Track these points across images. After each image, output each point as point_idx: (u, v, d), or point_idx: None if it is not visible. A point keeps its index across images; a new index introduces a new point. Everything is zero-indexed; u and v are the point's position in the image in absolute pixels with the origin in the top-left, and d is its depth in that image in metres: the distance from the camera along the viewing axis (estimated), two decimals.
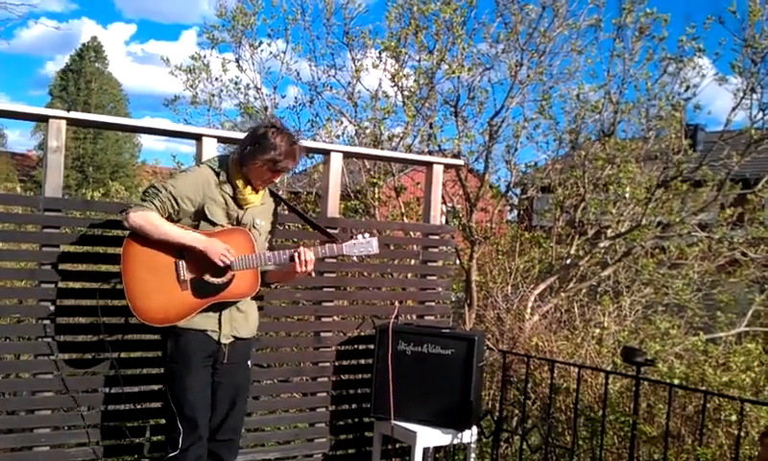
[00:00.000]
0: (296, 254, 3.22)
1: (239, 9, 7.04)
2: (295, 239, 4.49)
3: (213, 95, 7.31)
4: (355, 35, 6.81)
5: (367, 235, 3.40)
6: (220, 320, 3.23)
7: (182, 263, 3.14)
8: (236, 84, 7.35)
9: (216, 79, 7.36)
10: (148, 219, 3.09)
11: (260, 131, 3.18)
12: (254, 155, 3.14)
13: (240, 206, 3.24)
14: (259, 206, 3.31)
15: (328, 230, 3.66)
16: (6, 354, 3.56)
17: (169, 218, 3.16)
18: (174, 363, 3.22)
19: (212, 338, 3.23)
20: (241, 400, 3.39)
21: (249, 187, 3.22)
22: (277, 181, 7.04)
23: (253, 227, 3.27)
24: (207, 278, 3.16)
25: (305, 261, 3.22)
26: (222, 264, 3.11)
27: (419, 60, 6.57)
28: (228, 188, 3.21)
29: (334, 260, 4.27)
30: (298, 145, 3.24)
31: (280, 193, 5.13)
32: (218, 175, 3.22)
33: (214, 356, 3.26)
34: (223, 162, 3.27)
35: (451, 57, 6.44)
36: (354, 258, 3.42)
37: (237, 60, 7.23)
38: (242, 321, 3.31)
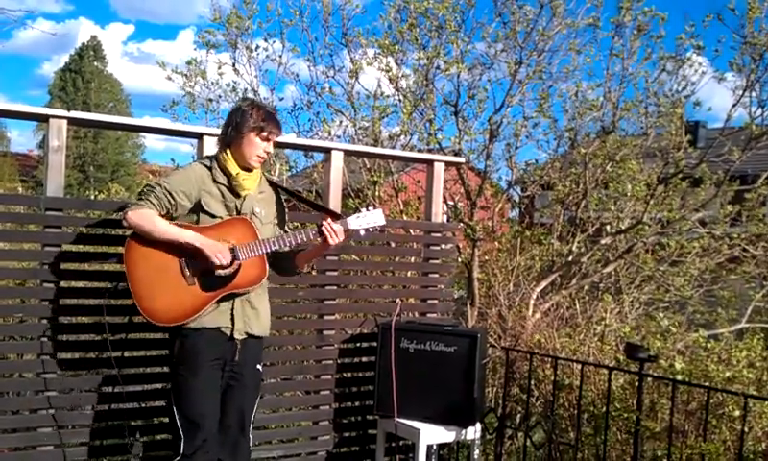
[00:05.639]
0: (323, 229, 3.26)
1: (234, 13, 7.03)
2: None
3: (211, 100, 7.31)
4: (353, 35, 6.82)
5: (371, 208, 3.40)
6: (233, 316, 3.20)
7: (186, 259, 3.12)
8: (234, 88, 7.35)
9: (213, 83, 7.36)
10: (145, 217, 3.08)
11: (236, 109, 3.28)
12: (239, 130, 3.19)
13: (237, 195, 3.24)
14: (257, 194, 3.31)
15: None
16: (9, 354, 3.56)
17: (167, 214, 3.15)
18: (179, 364, 3.17)
19: (225, 335, 3.19)
20: (249, 403, 3.33)
21: (243, 172, 3.22)
22: (277, 176, 7.12)
23: (253, 214, 3.27)
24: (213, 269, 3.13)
25: (335, 231, 3.28)
26: (217, 262, 3.08)
27: (417, 59, 6.58)
28: (222, 178, 3.22)
29: (336, 258, 4.28)
30: (274, 110, 3.39)
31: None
32: (210, 168, 3.24)
33: (224, 358, 3.21)
34: (213, 157, 3.31)
35: (450, 55, 6.45)
36: (362, 232, 3.37)
37: (234, 64, 7.23)
38: (254, 318, 3.28)
